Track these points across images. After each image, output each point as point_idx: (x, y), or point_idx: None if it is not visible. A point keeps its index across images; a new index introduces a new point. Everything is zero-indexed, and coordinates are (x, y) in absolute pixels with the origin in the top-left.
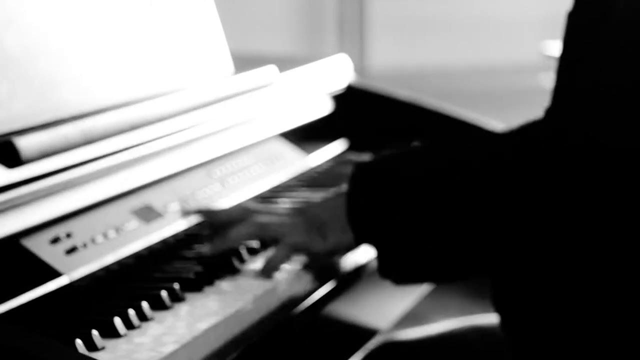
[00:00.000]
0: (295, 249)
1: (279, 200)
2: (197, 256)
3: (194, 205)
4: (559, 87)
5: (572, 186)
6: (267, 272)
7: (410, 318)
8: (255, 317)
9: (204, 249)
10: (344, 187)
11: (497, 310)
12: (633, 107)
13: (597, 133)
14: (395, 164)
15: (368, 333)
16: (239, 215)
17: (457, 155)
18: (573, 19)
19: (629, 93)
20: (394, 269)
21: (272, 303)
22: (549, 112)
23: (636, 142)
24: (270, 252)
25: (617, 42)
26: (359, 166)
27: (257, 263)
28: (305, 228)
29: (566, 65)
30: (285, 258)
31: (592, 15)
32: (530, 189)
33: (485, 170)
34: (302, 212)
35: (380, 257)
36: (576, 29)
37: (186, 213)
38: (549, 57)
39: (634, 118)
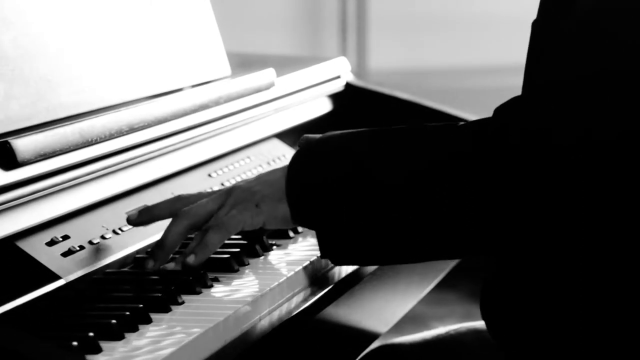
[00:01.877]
0: (229, 226)
1: None
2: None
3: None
4: (526, 86)
5: (524, 184)
6: (200, 257)
7: (410, 322)
8: (254, 317)
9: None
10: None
11: (484, 317)
12: (579, 99)
13: (560, 127)
14: (343, 143)
15: (368, 337)
16: (169, 208)
17: (415, 142)
18: (536, 25)
19: (576, 86)
20: (332, 247)
21: (271, 304)
22: (517, 105)
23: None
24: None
25: (573, 36)
26: (306, 141)
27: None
28: (237, 202)
29: (529, 68)
30: (222, 238)
31: (551, 16)
32: (483, 183)
33: (439, 161)
34: (233, 187)
35: (319, 235)
36: (538, 33)
37: (134, 222)
38: None
39: (580, 111)
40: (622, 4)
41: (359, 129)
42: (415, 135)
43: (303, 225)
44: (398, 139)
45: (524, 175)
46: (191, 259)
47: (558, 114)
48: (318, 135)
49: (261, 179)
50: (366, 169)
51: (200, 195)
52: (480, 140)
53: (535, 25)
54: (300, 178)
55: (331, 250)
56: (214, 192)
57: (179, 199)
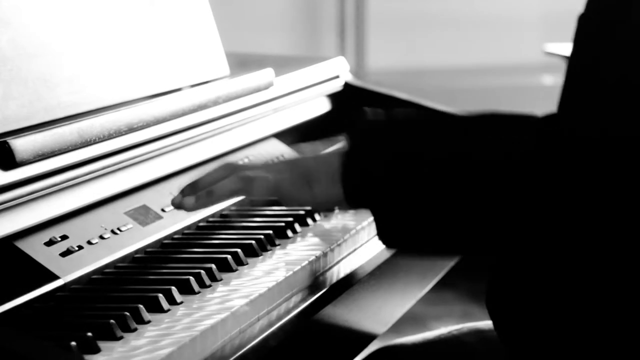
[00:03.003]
0: (283, 200)
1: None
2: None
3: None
4: (572, 87)
5: (587, 183)
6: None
7: (408, 322)
8: (252, 317)
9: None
10: (338, 146)
11: (491, 315)
12: None
13: (619, 130)
14: (403, 132)
15: (366, 337)
16: (223, 175)
17: (478, 138)
18: (585, 20)
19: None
20: (390, 233)
21: (270, 304)
22: (563, 111)
23: None
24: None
25: (637, 42)
26: (364, 124)
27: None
28: (294, 180)
29: (581, 66)
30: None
31: (606, 16)
32: (547, 183)
33: (502, 159)
34: (290, 162)
35: (377, 221)
36: (589, 31)
37: (178, 204)
38: (551, 56)
39: None
40: None
41: (421, 112)
42: (481, 126)
43: (357, 207)
44: (465, 127)
45: (605, 175)
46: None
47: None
48: (381, 118)
49: (317, 158)
50: (429, 158)
51: (255, 165)
52: (543, 139)
53: (584, 19)
54: (359, 162)
55: (387, 233)
56: (270, 162)
57: (244, 179)
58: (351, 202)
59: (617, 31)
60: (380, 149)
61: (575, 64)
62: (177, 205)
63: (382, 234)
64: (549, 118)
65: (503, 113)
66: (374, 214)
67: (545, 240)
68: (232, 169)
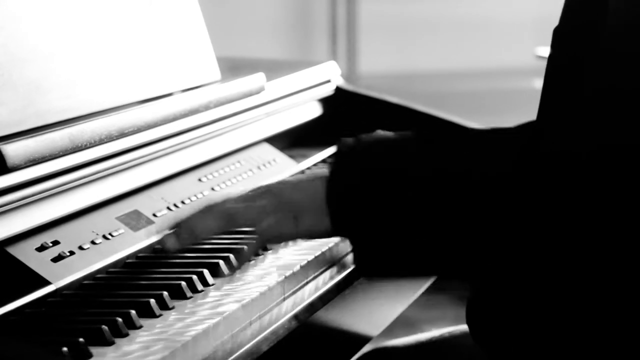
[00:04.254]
0: (267, 237)
1: None
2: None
3: (159, 225)
4: (549, 97)
5: (562, 193)
6: (239, 264)
7: (401, 325)
8: (244, 322)
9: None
10: (320, 170)
11: (472, 332)
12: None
13: (596, 141)
14: (385, 151)
15: (359, 341)
16: (206, 214)
17: (457, 153)
18: (561, 32)
19: (632, 97)
20: (370, 261)
21: (262, 308)
22: (541, 123)
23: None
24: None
25: (614, 50)
26: (345, 148)
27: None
28: (276, 212)
29: (557, 76)
30: (257, 247)
31: (581, 27)
32: (526, 198)
33: (482, 173)
34: (272, 194)
35: (356, 248)
36: (565, 42)
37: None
38: (543, 61)
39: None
40: None
41: (400, 135)
42: (460, 146)
43: (343, 236)
44: (445, 148)
45: (581, 185)
46: (226, 271)
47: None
48: (359, 141)
49: (300, 187)
50: (406, 180)
51: (236, 198)
52: (521, 154)
53: (559, 31)
54: (342, 192)
55: (366, 264)
56: (250, 194)
57: (225, 215)
58: (337, 229)
59: (592, 40)
60: (356, 173)
61: (552, 76)
62: (162, 245)
63: (360, 263)
64: (523, 129)
65: (479, 129)
66: (352, 242)
67: (525, 257)
68: (214, 209)
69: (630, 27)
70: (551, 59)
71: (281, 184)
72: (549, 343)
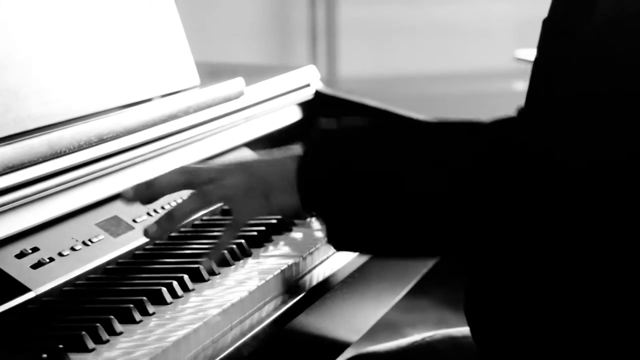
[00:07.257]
0: (235, 210)
1: None
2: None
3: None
4: (533, 93)
5: (546, 190)
6: (217, 251)
7: (383, 329)
8: (225, 327)
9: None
10: (294, 149)
11: (468, 320)
12: (608, 113)
13: (560, 143)
14: (359, 136)
15: (339, 346)
16: (175, 181)
17: (430, 143)
18: (549, 25)
19: (604, 100)
20: (339, 237)
21: (242, 313)
22: (522, 116)
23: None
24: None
25: (593, 51)
26: (320, 132)
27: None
28: (247, 189)
29: (541, 71)
30: (233, 232)
31: (568, 23)
32: (497, 191)
33: (456, 165)
34: (245, 170)
35: (327, 225)
36: (551, 36)
37: (129, 198)
38: (522, 63)
39: (610, 124)
40: None
41: (374, 121)
42: (433, 134)
43: (313, 213)
44: (418, 135)
45: (524, 188)
46: (207, 264)
47: (565, 130)
48: (334, 127)
49: (272, 164)
50: (378, 165)
51: (209, 170)
52: (493, 147)
53: (547, 25)
54: (313, 172)
55: (337, 236)
56: (223, 166)
57: (187, 172)
58: (307, 208)
59: (576, 38)
60: (330, 156)
61: (538, 70)
62: (145, 235)
63: (332, 237)
64: (499, 124)
65: (454, 120)
66: (323, 218)
67: (510, 245)
68: (188, 172)
69: (615, 22)
70: (539, 51)
71: (254, 162)
72: (545, 337)
